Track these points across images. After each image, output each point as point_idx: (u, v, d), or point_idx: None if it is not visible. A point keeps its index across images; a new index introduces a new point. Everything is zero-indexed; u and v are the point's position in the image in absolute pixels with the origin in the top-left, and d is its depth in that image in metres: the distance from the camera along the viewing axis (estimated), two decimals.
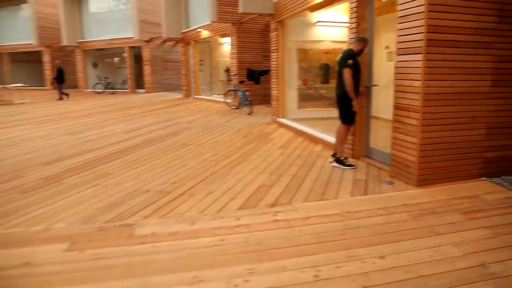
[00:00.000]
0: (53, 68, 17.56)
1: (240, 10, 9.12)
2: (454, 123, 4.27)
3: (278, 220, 3.45)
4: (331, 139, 5.83)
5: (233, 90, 12.26)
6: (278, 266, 2.67)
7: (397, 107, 4.48)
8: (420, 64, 4.08)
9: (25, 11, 23.73)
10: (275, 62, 9.03)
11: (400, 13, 4.35)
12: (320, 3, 6.66)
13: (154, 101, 15.87)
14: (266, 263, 2.72)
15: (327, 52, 9.33)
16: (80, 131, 8.73)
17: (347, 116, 5.00)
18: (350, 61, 4.70)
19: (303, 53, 9.52)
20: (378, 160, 5.27)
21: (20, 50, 24.20)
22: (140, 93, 20.45)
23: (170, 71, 21.41)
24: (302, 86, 9.51)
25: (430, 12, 3.97)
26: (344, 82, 4.74)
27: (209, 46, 16.75)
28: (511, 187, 4.17)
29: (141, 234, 3.22)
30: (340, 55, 4.94)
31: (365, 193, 4.16)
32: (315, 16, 8.61)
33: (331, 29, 9.04)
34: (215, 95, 15.73)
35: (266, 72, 11.38)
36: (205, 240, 3.08)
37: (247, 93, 11.27)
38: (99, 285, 2.50)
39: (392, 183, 4.42)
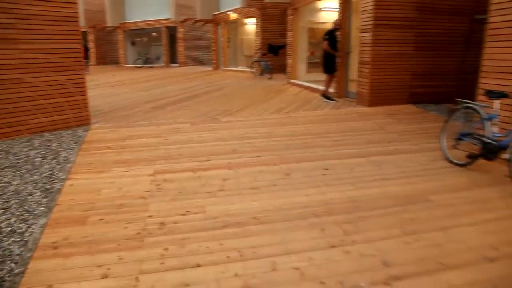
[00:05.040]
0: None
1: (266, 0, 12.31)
2: (391, 71, 7.51)
3: (290, 116, 6.88)
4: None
5: (257, 61, 15.54)
6: (288, 127, 6.10)
7: (360, 62, 7.77)
8: (370, 37, 7.31)
9: None
10: (291, 39, 12.24)
11: (362, 8, 7.57)
12: None
13: (190, 72, 19.30)
14: (284, 126, 6.15)
15: None
16: (148, 89, 12.18)
17: (328, 68, 8.35)
18: (326, 36, 8.12)
19: (312, 32, 12.71)
20: (353, 98, 8.55)
21: None
22: (174, 67, 23.86)
23: (200, 47, 24.74)
24: (310, 56, 12.75)
25: (376, 9, 7.17)
26: (323, 47, 8.13)
27: (236, 26, 19.96)
28: (423, 108, 7.43)
29: (223, 120, 6.69)
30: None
31: (338, 109, 7.51)
32: (322, 3, 11.75)
33: (333, 13, 12.16)
34: (240, 67, 19.06)
35: (283, 46, 14.60)
36: (254, 122, 6.53)
37: (268, 62, 14.55)
38: (214, 133, 5.92)
39: (355, 107, 7.74)
